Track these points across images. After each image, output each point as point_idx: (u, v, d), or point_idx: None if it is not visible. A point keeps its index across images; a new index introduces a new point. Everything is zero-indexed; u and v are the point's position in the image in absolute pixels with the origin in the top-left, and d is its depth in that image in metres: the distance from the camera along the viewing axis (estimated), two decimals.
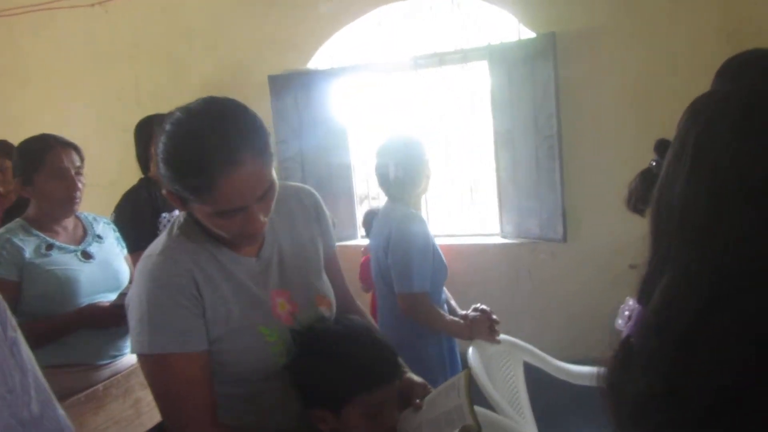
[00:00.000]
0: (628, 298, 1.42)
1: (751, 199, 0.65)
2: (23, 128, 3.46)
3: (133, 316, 1.14)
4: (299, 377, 1.24)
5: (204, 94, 3.52)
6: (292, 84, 3.70)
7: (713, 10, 2.88)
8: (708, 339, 0.65)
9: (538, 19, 3.14)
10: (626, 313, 1.35)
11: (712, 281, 0.67)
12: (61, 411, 1.19)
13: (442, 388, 1.29)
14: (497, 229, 3.54)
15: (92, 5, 4.30)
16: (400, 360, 1.45)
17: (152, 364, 1.15)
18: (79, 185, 2.00)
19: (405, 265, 2.10)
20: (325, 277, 1.40)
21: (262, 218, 1.14)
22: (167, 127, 1.08)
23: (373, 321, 1.53)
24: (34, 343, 1.91)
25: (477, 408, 1.78)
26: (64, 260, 1.98)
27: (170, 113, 1.10)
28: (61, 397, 1.94)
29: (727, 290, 0.65)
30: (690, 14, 2.90)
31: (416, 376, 1.40)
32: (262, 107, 3.82)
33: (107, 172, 4.14)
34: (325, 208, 1.46)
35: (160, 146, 1.08)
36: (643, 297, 0.75)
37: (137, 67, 4.29)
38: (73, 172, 1.98)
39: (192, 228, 1.21)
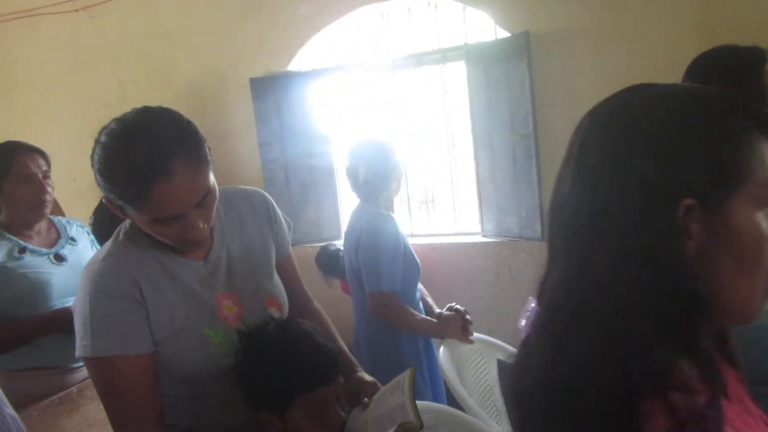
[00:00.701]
0: (530, 298, 1.44)
1: (623, 206, 0.68)
2: (13, 133, 3.49)
3: (77, 320, 1.17)
4: (243, 380, 1.27)
5: (187, 98, 3.56)
6: (272, 86, 3.72)
7: (689, 9, 2.90)
8: (574, 343, 0.68)
9: (512, 19, 3.16)
10: (527, 313, 1.38)
11: (584, 286, 0.69)
12: (10, 411, 1.21)
13: (388, 387, 1.32)
14: (478, 228, 3.57)
15: (77, 11, 4.32)
16: (353, 360, 1.48)
17: (96, 368, 1.18)
18: (48, 189, 2.03)
19: (374, 265, 2.13)
20: (276, 279, 1.42)
21: (201, 225, 1.16)
22: (102, 138, 1.10)
23: (327, 322, 1.55)
24: (5, 346, 1.95)
25: (437, 405, 1.81)
26: (37, 263, 2.01)
27: (106, 125, 1.12)
28: (36, 399, 1.97)
29: (591, 296, 0.68)
30: (665, 13, 2.92)
31: (368, 375, 1.42)
32: (244, 110, 3.86)
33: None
34: (278, 211, 1.48)
35: (94, 156, 1.10)
36: (539, 297, 0.78)
37: (122, 71, 4.32)
38: (40, 176, 2.01)
39: (138, 234, 1.23)
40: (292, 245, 1.56)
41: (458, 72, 3.50)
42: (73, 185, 4.04)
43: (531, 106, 3.08)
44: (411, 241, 2.32)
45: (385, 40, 3.65)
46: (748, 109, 0.71)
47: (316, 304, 1.60)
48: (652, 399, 0.62)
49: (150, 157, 1.06)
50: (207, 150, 1.15)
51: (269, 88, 3.74)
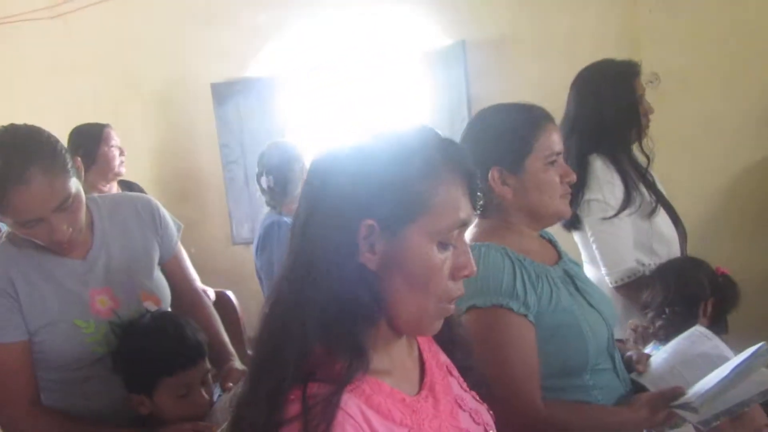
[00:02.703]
0: None
1: (324, 216, 0.82)
2: None
3: None
4: (117, 365, 1.42)
5: (154, 104, 3.76)
6: (232, 91, 3.89)
7: (613, 19, 3.02)
8: (268, 325, 0.82)
9: (451, 27, 3.30)
10: None
11: (291, 279, 0.83)
12: None
13: None
14: None
15: (52, 18, 4.48)
16: (229, 350, 1.63)
17: None
18: None
19: (268, 271, 2.27)
20: (157, 276, 1.56)
21: (65, 228, 1.30)
22: None
23: (209, 314, 1.70)
24: None
25: None
26: None
27: None
28: None
29: (288, 290, 0.82)
30: (591, 22, 3.04)
31: (240, 364, 1.57)
32: (206, 114, 4.01)
33: None
34: (165, 215, 1.63)
35: None
36: None
37: (95, 77, 4.45)
38: None
39: (18, 236, 1.38)
40: None
41: (412, 77, 3.63)
42: None
43: (467, 112, 3.21)
44: None
45: (340, 47, 3.77)
46: (447, 154, 0.84)
47: (205, 299, 1.75)
48: (297, 388, 0.75)
49: (6, 168, 1.20)
50: (66, 161, 1.29)
51: (229, 93, 3.90)
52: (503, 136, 1.37)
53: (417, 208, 0.80)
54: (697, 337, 1.45)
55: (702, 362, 1.38)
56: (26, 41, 4.63)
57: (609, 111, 2.07)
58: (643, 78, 3.00)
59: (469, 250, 0.87)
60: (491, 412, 1.01)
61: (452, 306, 0.88)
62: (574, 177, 1.41)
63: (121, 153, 2.90)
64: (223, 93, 3.91)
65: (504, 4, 3.22)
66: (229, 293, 2.95)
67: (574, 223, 2.12)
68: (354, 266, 0.80)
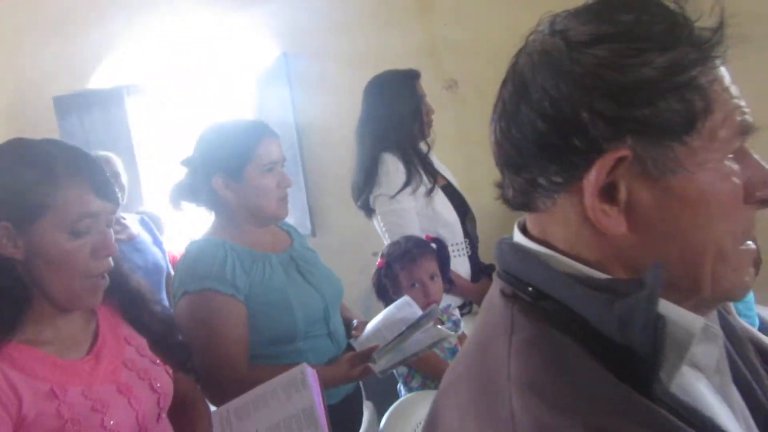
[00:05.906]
0: None
1: None
2: None
3: None
4: None
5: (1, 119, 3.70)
6: (75, 104, 3.94)
7: (416, 32, 3.37)
8: None
9: (276, 40, 3.55)
10: None
11: None
12: None
13: None
14: None
15: None
16: None
17: None
18: None
19: None
20: None
21: None
22: None
23: None
24: None
25: None
26: None
27: None
28: None
29: None
30: (398, 36, 3.37)
31: None
32: (51, 127, 4.04)
33: None
34: None
35: None
36: None
37: None
38: None
39: None
40: None
41: (245, 86, 3.84)
42: None
43: (293, 119, 3.46)
44: None
45: (180, 59, 3.90)
46: (67, 163, 1.07)
47: None
48: None
49: None
50: None
51: (73, 106, 3.95)
52: (225, 147, 1.60)
53: (39, 210, 1.03)
54: (402, 304, 1.74)
55: (402, 325, 1.67)
56: None
57: (395, 112, 2.35)
58: (442, 83, 3.39)
59: (109, 234, 1.10)
60: (169, 371, 1.26)
61: (104, 281, 1.11)
62: (289, 182, 1.67)
63: None
64: (65, 106, 3.97)
65: (321, 21, 3.50)
66: None
67: (370, 213, 2.40)
68: None
